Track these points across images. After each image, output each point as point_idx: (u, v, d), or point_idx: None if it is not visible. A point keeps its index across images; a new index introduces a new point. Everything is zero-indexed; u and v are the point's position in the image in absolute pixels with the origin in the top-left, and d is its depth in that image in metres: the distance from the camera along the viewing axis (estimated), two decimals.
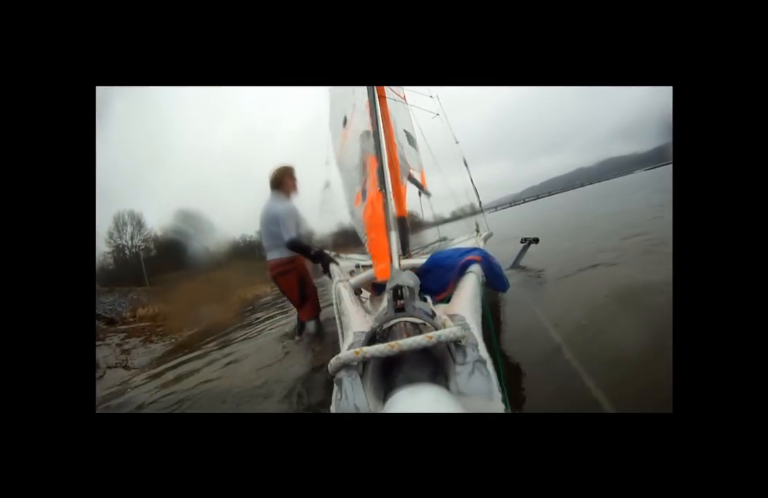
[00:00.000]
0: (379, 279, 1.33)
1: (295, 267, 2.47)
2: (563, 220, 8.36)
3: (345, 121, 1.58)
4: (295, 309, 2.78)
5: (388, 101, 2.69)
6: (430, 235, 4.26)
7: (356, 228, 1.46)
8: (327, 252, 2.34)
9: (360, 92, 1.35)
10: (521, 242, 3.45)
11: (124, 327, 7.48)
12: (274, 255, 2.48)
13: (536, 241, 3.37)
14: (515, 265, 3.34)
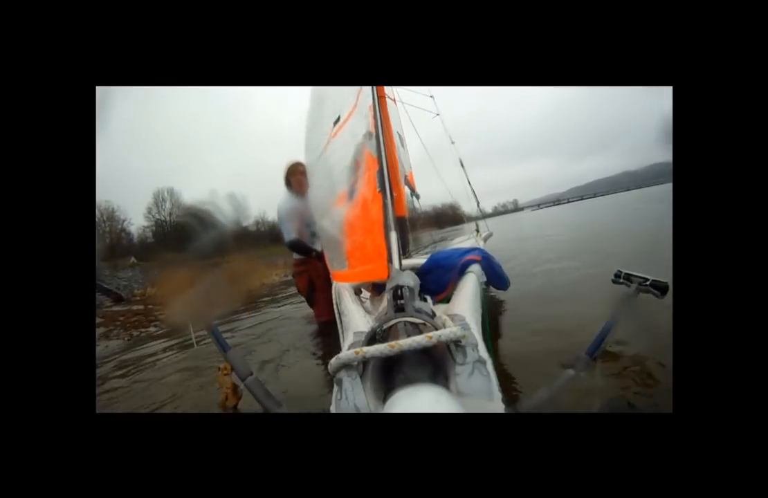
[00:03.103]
0: (371, 280, 1.29)
1: (307, 270, 2.44)
2: (639, 231, 5.15)
3: (338, 120, 1.52)
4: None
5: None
6: (468, 229, 3.98)
7: (329, 230, 1.29)
8: None
9: (366, 92, 1.32)
10: (619, 281, 1.45)
11: (117, 309, 7.27)
12: (294, 254, 2.47)
13: (664, 289, 1.29)
14: (595, 351, 0.97)
